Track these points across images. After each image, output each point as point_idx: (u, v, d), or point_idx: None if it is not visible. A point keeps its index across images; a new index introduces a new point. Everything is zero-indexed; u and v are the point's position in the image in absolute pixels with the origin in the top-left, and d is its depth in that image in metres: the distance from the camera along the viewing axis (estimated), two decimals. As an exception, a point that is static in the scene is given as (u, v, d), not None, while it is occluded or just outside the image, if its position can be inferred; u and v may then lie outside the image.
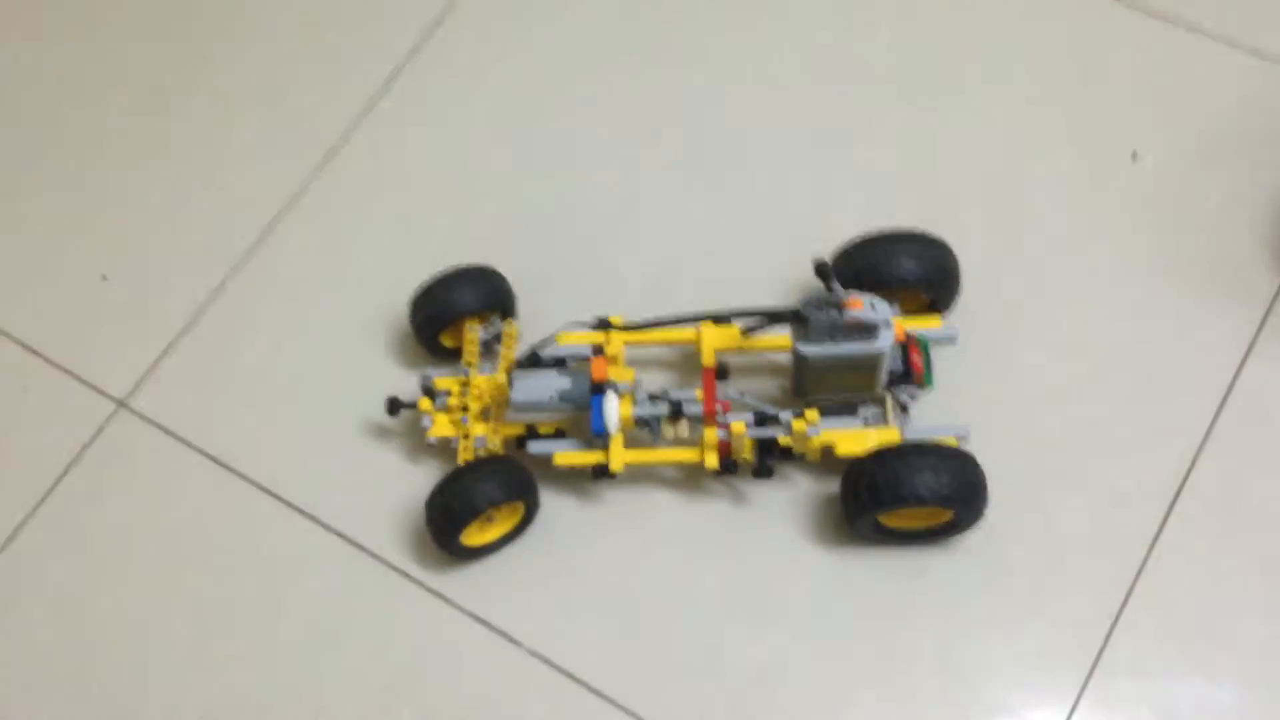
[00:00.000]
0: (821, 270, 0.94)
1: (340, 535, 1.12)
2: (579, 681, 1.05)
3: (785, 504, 1.10)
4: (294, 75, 1.35)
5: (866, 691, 1.03)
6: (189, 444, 1.17)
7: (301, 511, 1.14)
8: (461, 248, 1.19)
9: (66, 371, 1.21)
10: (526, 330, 1.16)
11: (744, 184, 1.25)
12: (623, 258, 1.23)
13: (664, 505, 1.11)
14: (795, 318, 0.99)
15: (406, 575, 1.10)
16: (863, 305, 0.97)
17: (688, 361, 1.17)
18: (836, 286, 0.96)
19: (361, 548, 1.12)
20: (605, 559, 1.10)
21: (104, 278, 1.21)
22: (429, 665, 1.07)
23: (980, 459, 1.02)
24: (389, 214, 1.27)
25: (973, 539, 1.06)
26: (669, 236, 1.23)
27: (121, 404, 1.19)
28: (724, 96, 1.29)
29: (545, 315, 1.16)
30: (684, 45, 1.33)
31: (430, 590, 1.10)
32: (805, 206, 1.23)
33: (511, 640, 1.07)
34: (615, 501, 1.12)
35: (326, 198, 1.28)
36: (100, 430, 1.18)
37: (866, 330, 0.98)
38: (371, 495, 1.13)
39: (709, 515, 1.11)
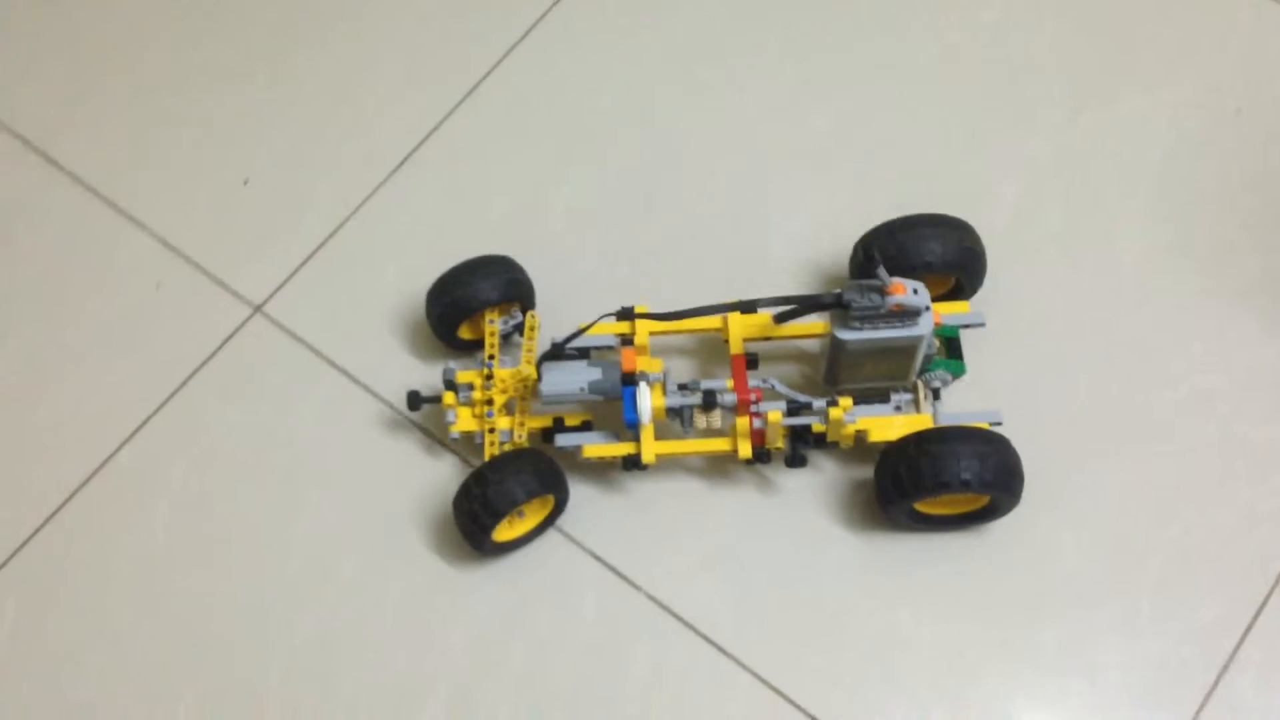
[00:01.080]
0: (869, 254, 0.93)
1: (456, 454, 1.12)
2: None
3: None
4: (443, 9, 1.34)
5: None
6: (320, 355, 1.16)
7: (427, 433, 1.13)
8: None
9: (204, 272, 1.21)
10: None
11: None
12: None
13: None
14: (836, 303, 0.97)
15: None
16: (905, 290, 0.96)
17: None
18: (881, 271, 0.95)
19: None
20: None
21: (245, 182, 1.22)
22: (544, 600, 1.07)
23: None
24: (518, 164, 1.26)
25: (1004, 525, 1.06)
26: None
27: (258, 309, 1.19)
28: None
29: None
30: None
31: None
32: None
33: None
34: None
35: (464, 136, 1.27)
36: (234, 333, 1.18)
37: (908, 315, 0.97)
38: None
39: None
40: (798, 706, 1.02)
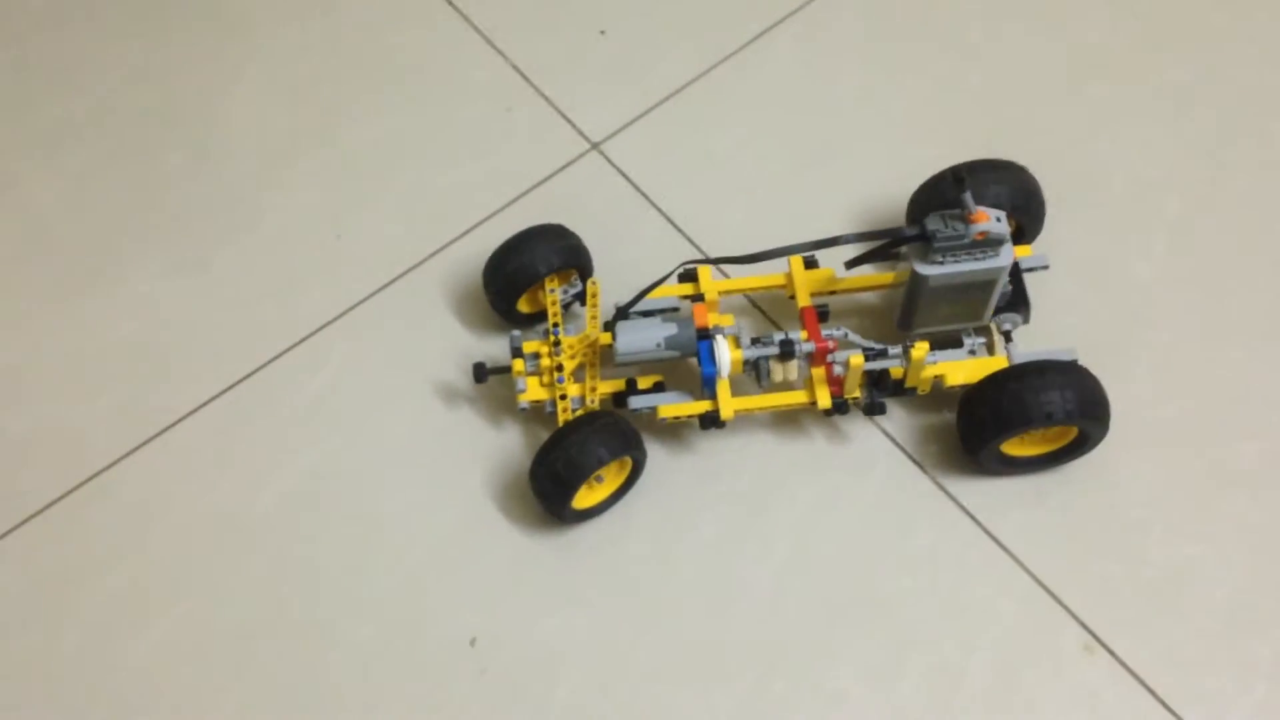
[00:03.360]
0: (959, 179, 0.92)
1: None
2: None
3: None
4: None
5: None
6: (648, 199, 1.21)
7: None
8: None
9: (552, 105, 1.27)
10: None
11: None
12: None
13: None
14: (920, 235, 0.96)
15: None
16: (989, 218, 0.95)
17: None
18: (968, 198, 0.94)
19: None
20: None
21: (602, 33, 1.30)
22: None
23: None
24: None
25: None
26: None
27: (595, 146, 1.24)
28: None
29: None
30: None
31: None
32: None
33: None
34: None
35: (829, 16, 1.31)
36: (569, 163, 1.24)
37: (993, 244, 0.96)
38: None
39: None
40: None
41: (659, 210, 1.21)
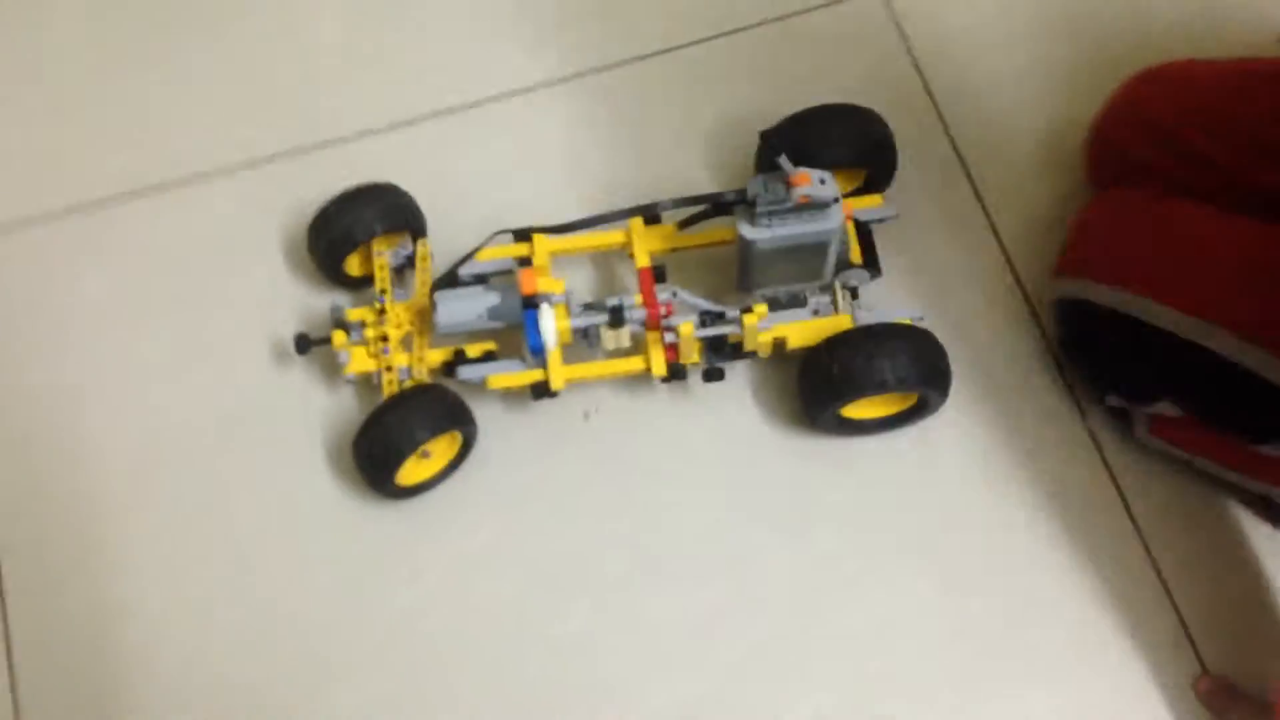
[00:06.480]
0: (772, 143, 0.87)
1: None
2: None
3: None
4: None
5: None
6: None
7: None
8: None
9: None
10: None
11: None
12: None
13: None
14: (739, 201, 0.92)
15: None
16: (811, 181, 0.91)
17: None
18: (784, 161, 0.90)
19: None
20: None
21: None
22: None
23: (941, 337, 0.97)
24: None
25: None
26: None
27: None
28: None
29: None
30: None
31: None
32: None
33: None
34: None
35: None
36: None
37: (816, 209, 0.92)
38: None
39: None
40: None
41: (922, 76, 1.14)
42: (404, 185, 1.06)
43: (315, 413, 1.05)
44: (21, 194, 1.14)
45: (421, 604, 0.99)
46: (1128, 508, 1.00)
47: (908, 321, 0.99)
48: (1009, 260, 1.08)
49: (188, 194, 1.14)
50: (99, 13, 1.21)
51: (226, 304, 1.10)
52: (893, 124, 1.04)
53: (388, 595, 1.00)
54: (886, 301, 1.03)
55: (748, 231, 0.93)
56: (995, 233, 1.09)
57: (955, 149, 1.13)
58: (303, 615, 0.99)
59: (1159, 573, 0.98)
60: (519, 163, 1.14)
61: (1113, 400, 0.98)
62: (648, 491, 1.02)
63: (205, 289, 1.10)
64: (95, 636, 0.99)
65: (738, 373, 1.05)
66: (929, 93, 1.14)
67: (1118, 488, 1.01)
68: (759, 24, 1.18)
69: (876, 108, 1.04)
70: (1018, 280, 1.08)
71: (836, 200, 0.92)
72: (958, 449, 1.03)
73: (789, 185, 0.90)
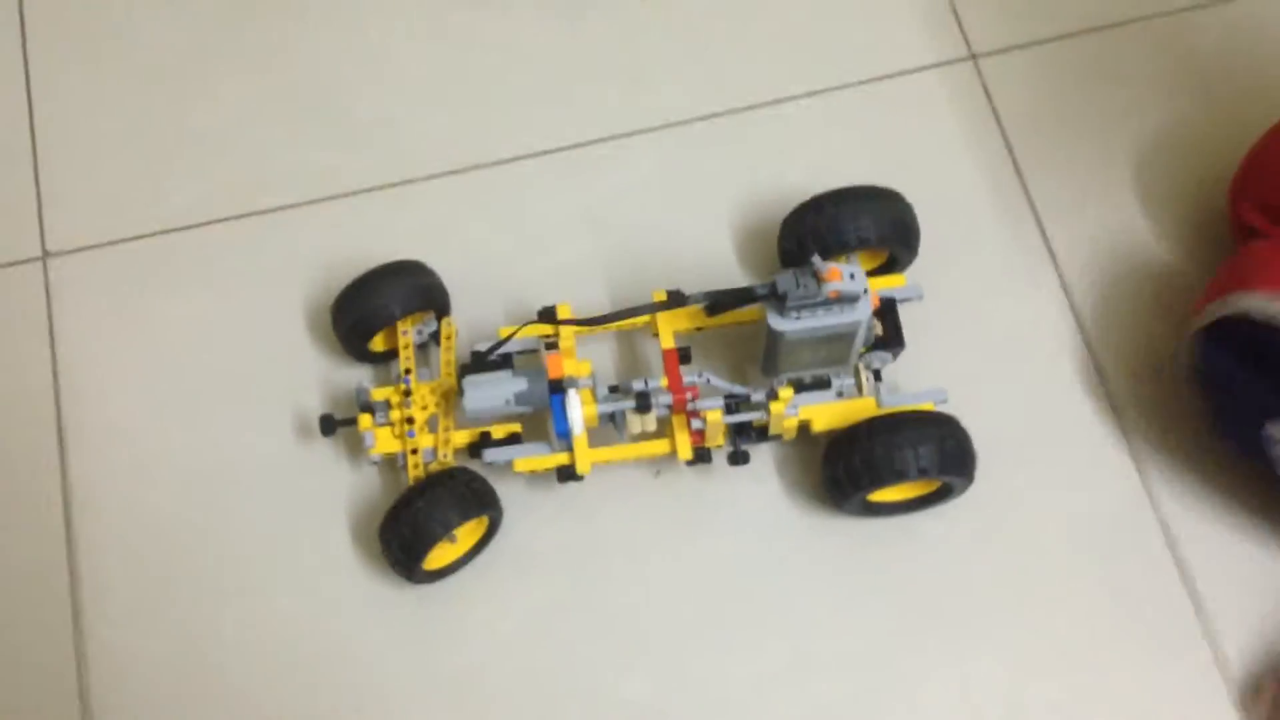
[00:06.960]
0: (801, 242, 0.88)
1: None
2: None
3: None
4: None
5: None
6: None
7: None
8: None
9: None
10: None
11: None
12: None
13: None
14: (770, 294, 0.92)
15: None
16: (842, 276, 0.91)
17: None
18: (816, 259, 0.90)
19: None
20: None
21: None
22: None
23: (963, 417, 0.98)
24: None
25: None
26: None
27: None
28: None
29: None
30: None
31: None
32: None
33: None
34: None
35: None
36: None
37: (846, 301, 0.92)
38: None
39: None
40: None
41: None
42: (423, 252, 1.06)
43: (341, 488, 1.05)
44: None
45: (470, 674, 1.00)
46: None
47: (930, 407, 0.99)
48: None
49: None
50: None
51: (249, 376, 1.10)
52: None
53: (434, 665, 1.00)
54: (929, 369, 1.04)
55: (777, 323, 0.94)
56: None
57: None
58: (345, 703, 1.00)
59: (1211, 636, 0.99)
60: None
61: (1274, 429, 0.92)
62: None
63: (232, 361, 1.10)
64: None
65: (763, 450, 1.05)
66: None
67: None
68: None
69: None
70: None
71: (865, 292, 0.93)
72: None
73: (820, 280, 0.90)
